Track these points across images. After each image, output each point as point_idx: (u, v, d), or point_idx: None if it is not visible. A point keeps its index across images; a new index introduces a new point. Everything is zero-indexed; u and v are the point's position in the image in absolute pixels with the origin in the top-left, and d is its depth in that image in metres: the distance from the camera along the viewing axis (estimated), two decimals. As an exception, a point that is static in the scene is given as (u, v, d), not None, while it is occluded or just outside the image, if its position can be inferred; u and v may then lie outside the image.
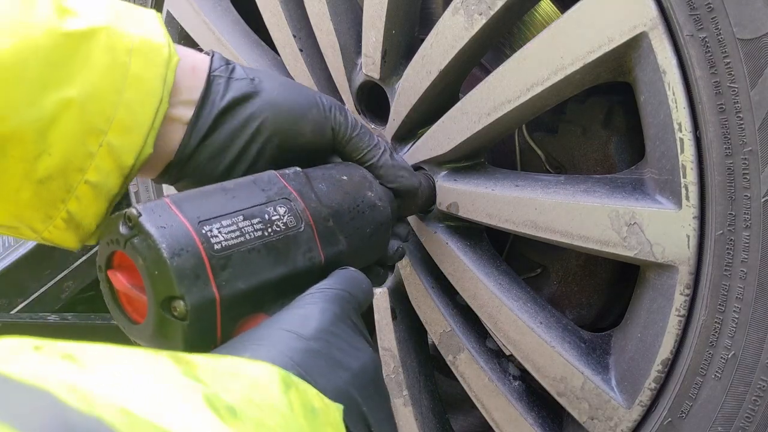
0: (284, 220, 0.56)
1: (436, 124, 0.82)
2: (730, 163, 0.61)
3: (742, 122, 0.59)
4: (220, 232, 0.52)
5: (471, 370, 0.86)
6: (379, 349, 0.95)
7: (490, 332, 0.84)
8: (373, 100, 0.91)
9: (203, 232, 0.51)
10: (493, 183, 0.80)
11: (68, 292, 1.43)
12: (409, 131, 0.88)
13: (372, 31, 0.85)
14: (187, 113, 0.62)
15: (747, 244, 0.61)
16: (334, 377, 0.48)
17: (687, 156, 0.63)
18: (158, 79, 0.59)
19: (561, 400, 0.77)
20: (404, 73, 0.84)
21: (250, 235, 0.54)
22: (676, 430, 0.69)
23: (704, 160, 0.63)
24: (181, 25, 1.09)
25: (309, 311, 0.52)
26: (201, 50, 0.67)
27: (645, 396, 0.71)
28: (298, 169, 0.63)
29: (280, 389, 0.41)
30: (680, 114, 0.63)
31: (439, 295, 0.88)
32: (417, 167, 0.87)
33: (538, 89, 0.71)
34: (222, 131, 0.63)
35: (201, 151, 0.63)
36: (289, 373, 0.43)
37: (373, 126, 0.91)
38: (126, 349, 0.37)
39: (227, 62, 0.65)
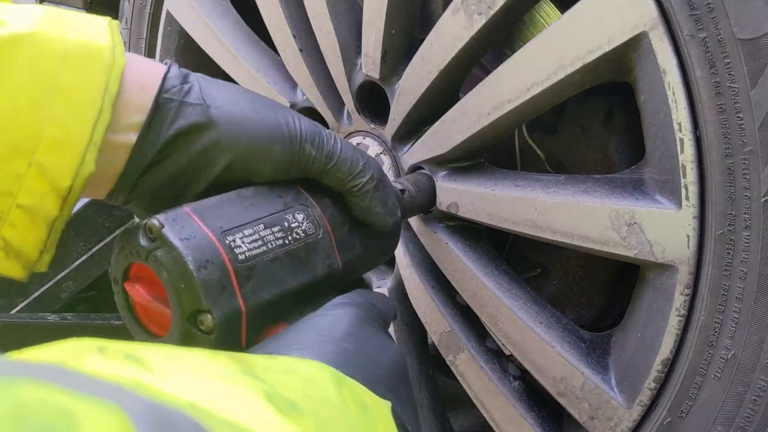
0: (303, 227, 0.56)
1: (435, 124, 0.82)
2: (730, 163, 0.61)
3: (742, 122, 0.59)
4: (243, 242, 0.51)
5: (471, 370, 0.85)
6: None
7: (490, 332, 0.84)
8: (373, 100, 0.91)
9: (227, 242, 0.50)
10: (493, 183, 0.80)
11: (68, 292, 1.43)
12: (410, 131, 0.88)
13: (372, 31, 0.85)
14: (131, 138, 0.54)
15: (747, 244, 0.61)
16: (372, 376, 0.47)
17: (687, 156, 0.63)
18: (96, 88, 0.52)
19: (561, 400, 0.77)
20: (404, 73, 0.84)
21: (272, 244, 0.53)
22: (675, 430, 0.69)
23: (704, 160, 0.63)
24: (181, 25, 1.09)
25: (336, 316, 0.51)
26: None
27: (645, 396, 0.71)
28: None
29: (334, 386, 0.41)
30: (680, 114, 0.63)
31: (439, 294, 0.88)
32: (417, 167, 0.87)
33: (538, 89, 0.71)
34: (169, 162, 0.56)
35: (146, 179, 0.57)
36: (338, 371, 0.43)
37: (373, 126, 0.91)
38: (185, 350, 0.37)
39: (185, 79, 0.57)
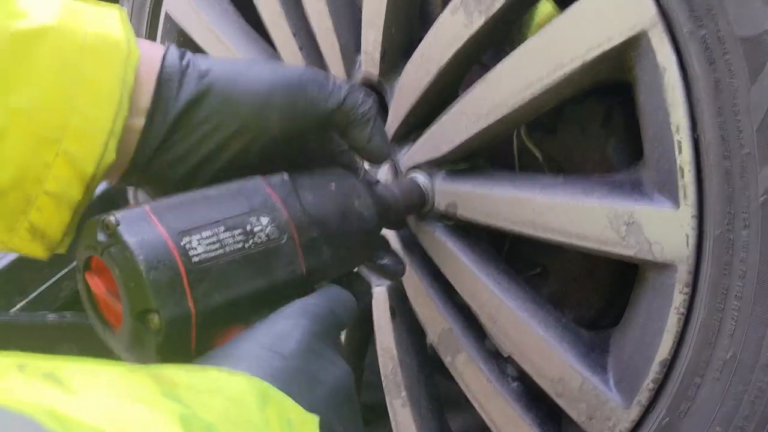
0: (266, 231, 0.55)
1: (434, 125, 0.82)
2: (728, 165, 0.60)
3: (740, 124, 0.59)
4: (199, 244, 0.51)
5: (469, 371, 0.85)
6: (378, 349, 0.95)
7: (488, 333, 0.83)
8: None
9: (182, 244, 0.50)
10: (492, 183, 0.80)
11: (67, 291, 1.43)
12: (409, 131, 0.88)
13: (371, 29, 0.85)
14: (141, 121, 0.58)
15: (746, 243, 0.61)
16: (311, 394, 0.47)
17: (684, 158, 0.63)
18: (115, 80, 0.55)
19: (559, 401, 0.77)
20: (403, 72, 0.84)
21: (230, 247, 0.53)
22: (674, 430, 0.69)
23: (702, 162, 0.62)
24: (179, 25, 1.09)
25: (288, 327, 0.51)
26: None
27: (643, 396, 0.71)
28: (285, 176, 0.61)
29: (258, 405, 0.41)
30: (678, 115, 0.63)
31: (438, 294, 0.88)
32: (415, 168, 0.86)
33: (537, 88, 0.71)
34: (178, 138, 0.59)
35: (158, 159, 0.59)
36: (268, 386, 0.43)
37: (372, 125, 0.91)
38: (108, 368, 0.37)
39: (181, 56, 0.60)
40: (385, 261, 0.77)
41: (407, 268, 0.88)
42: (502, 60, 0.73)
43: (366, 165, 0.85)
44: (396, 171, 0.90)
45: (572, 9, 0.67)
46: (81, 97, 0.54)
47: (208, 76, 0.59)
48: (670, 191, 0.65)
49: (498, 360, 0.85)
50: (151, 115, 0.58)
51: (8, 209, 0.55)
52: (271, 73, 0.61)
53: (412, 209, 0.81)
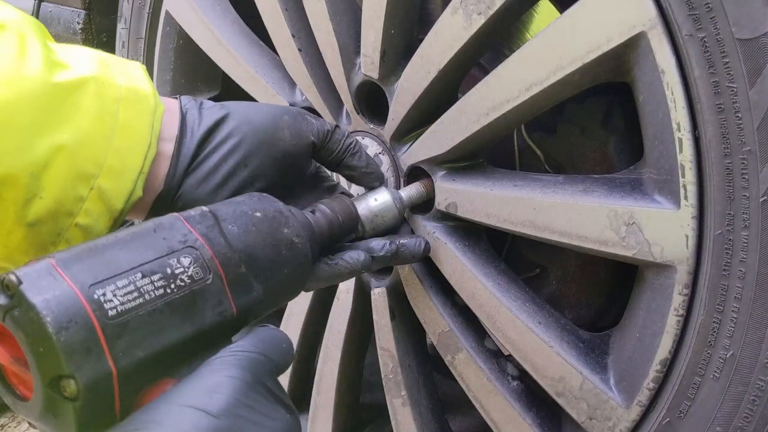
0: (189, 273, 0.51)
1: (434, 123, 0.82)
2: (729, 163, 0.61)
3: (740, 122, 0.59)
4: (115, 296, 0.47)
5: (469, 370, 0.85)
6: (378, 349, 0.95)
7: (488, 332, 0.84)
8: (372, 100, 0.91)
9: (95, 297, 0.46)
10: (492, 183, 0.80)
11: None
12: (408, 131, 0.88)
13: (371, 30, 0.85)
14: (170, 147, 0.66)
15: (745, 244, 0.61)
16: None
17: (686, 156, 0.63)
18: (146, 127, 0.63)
19: (559, 400, 0.77)
20: (403, 73, 0.84)
21: (150, 295, 0.49)
22: (674, 430, 0.69)
23: (703, 160, 0.63)
24: (179, 25, 1.09)
25: (217, 381, 0.48)
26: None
27: (643, 396, 0.71)
28: (204, 209, 0.58)
29: None
30: (679, 114, 0.63)
31: (437, 294, 0.88)
32: (416, 167, 0.87)
33: (537, 89, 0.71)
34: (205, 156, 0.66)
35: (188, 178, 0.66)
36: None
37: (371, 126, 0.91)
38: None
39: (195, 99, 0.70)
40: (404, 241, 0.78)
41: (406, 268, 0.89)
42: (503, 61, 0.73)
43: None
44: (397, 170, 0.90)
45: (572, 10, 0.67)
46: (117, 140, 0.61)
47: (225, 106, 0.69)
48: (670, 191, 0.65)
49: (498, 359, 0.85)
50: (180, 139, 0.66)
51: (39, 240, 0.59)
52: (278, 105, 0.73)
53: (349, 231, 0.75)
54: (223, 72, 1.13)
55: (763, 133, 0.58)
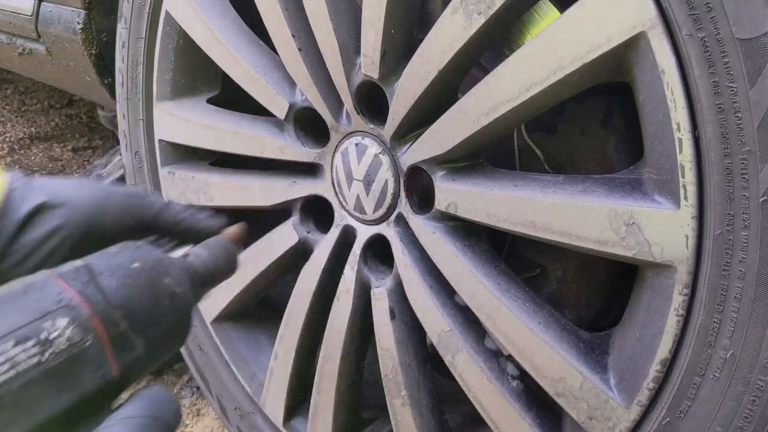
0: (66, 336, 0.47)
1: (434, 123, 0.82)
2: (729, 163, 0.61)
3: (740, 122, 0.59)
4: None
5: (470, 370, 0.85)
6: (378, 349, 0.95)
7: (488, 332, 0.84)
8: (372, 100, 0.91)
9: None
10: (492, 183, 0.80)
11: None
12: (408, 131, 0.88)
13: (371, 31, 0.84)
14: None
15: (745, 244, 0.61)
16: None
17: (685, 156, 0.63)
18: None
19: (559, 401, 0.77)
20: (403, 73, 0.84)
21: (23, 365, 0.45)
22: (674, 430, 0.69)
23: (703, 160, 0.63)
24: (179, 25, 1.09)
25: None
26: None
27: (643, 396, 0.71)
28: (78, 263, 0.54)
29: None
30: (679, 114, 0.63)
31: (437, 294, 0.88)
32: (416, 167, 0.87)
33: (537, 89, 0.71)
34: (23, 238, 0.62)
35: (8, 257, 0.61)
36: None
37: (372, 126, 0.91)
38: None
39: (25, 176, 0.67)
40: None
41: (406, 269, 0.89)
42: (504, 61, 0.73)
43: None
44: (397, 170, 0.90)
45: (572, 10, 0.67)
46: None
47: (51, 187, 0.66)
48: (670, 191, 0.65)
49: (498, 359, 0.85)
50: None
51: None
52: (103, 187, 0.70)
53: (227, 274, 0.70)
54: (223, 72, 1.13)
55: (763, 133, 0.58)
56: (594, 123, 0.83)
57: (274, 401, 1.12)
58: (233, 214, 1.13)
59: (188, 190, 1.15)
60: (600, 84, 0.71)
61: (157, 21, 1.12)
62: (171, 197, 1.19)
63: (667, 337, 0.68)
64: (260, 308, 1.21)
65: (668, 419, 0.70)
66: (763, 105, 0.58)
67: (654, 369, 0.69)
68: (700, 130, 0.62)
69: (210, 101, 1.16)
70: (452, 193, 0.83)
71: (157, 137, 1.18)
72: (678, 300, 0.67)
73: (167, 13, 1.10)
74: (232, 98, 1.16)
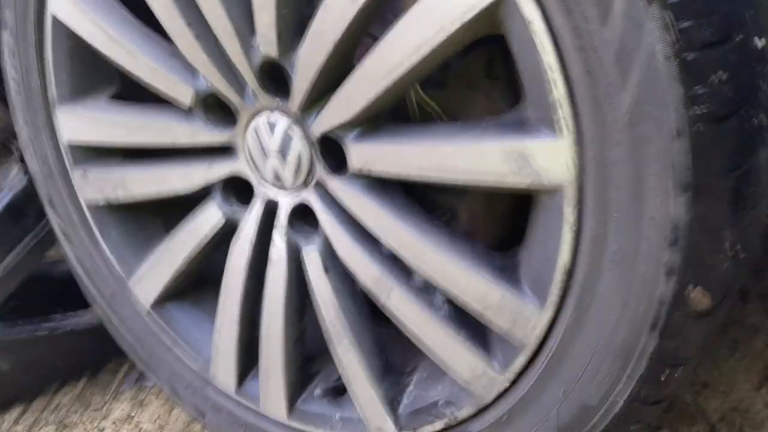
0: None
1: (337, 92, 0.89)
2: (595, 94, 0.72)
3: (600, 58, 0.70)
4: None
5: (402, 307, 0.95)
6: (318, 303, 1.03)
7: (415, 270, 0.93)
8: (274, 77, 0.97)
9: None
10: (400, 138, 0.88)
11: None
12: (313, 102, 0.94)
13: (264, 13, 0.90)
14: None
15: (618, 159, 0.73)
16: None
17: (560, 93, 0.74)
18: None
19: (485, 315, 0.88)
20: (301, 48, 0.90)
21: None
22: (583, 323, 0.82)
23: (574, 94, 0.73)
24: (68, 28, 1.10)
25: None
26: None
27: (554, 297, 0.83)
28: None
29: None
30: (549, 57, 0.73)
31: (364, 246, 0.96)
32: (326, 135, 0.94)
33: (426, 49, 0.79)
34: None
35: None
36: None
37: (278, 101, 0.97)
38: None
39: None
40: None
41: (332, 227, 0.97)
42: (392, 28, 0.81)
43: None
44: (309, 140, 0.97)
45: (446, -24, 0.75)
46: None
47: None
48: (551, 124, 0.76)
49: (425, 292, 0.95)
50: None
51: None
52: None
53: None
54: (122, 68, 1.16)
55: (620, 65, 0.69)
56: (478, 74, 0.93)
57: (224, 372, 1.19)
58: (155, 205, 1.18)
59: (106, 187, 1.18)
60: (479, 38, 0.81)
61: (42, 25, 1.12)
62: (88, 197, 1.21)
63: (565, 247, 0.80)
64: (194, 288, 1.26)
65: (577, 314, 0.82)
66: (615, 41, 0.69)
67: (559, 274, 0.81)
68: (568, 69, 0.73)
69: (112, 98, 1.18)
70: (364, 154, 0.91)
71: (63, 141, 1.19)
72: (570, 216, 0.78)
73: (54, 18, 1.10)
74: (133, 93, 1.19)
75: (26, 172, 1.43)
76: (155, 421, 1.57)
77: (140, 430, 1.55)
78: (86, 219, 1.24)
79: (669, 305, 0.77)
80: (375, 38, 0.86)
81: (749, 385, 1.51)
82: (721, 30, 0.67)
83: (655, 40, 0.67)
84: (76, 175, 1.21)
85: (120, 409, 1.62)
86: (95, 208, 1.23)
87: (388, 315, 0.98)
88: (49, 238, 1.52)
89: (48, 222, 1.46)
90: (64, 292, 1.61)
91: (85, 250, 1.28)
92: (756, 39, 0.70)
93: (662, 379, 0.82)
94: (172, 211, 1.23)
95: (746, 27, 0.69)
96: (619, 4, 0.67)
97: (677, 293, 0.76)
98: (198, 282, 1.24)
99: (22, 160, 1.44)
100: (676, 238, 0.73)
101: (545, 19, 0.72)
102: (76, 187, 1.22)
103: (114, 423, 1.58)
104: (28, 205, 1.48)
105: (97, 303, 1.32)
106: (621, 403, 0.83)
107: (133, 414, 1.60)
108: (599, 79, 0.71)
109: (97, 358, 1.74)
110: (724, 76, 0.68)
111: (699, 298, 0.77)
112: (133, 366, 1.75)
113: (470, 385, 0.93)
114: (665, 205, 0.72)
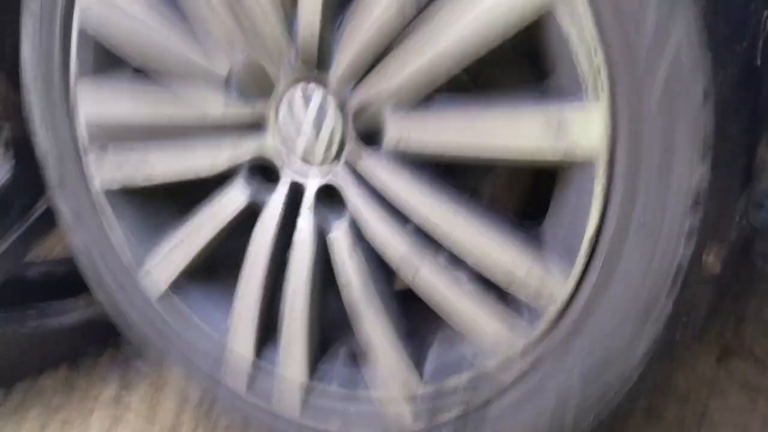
0: None
1: (383, 61, 0.93)
2: (633, 61, 0.79)
3: (639, 28, 0.78)
4: None
5: (430, 283, 1.01)
6: (345, 282, 1.07)
7: (445, 245, 0.99)
8: (313, 48, 0.99)
9: None
10: (442, 113, 0.93)
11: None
12: (353, 74, 0.98)
13: None
14: None
15: (652, 125, 0.80)
16: None
17: (600, 59, 0.81)
18: None
19: (511, 288, 0.95)
20: (349, 20, 0.94)
21: None
22: (606, 290, 0.89)
23: (612, 62, 0.80)
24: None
25: None
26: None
27: (578, 269, 0.90)
28: None
29: None
30: (590, 28, 0.81)
31: (392, 225, 1.02)
32: (364, 105, 0.98)
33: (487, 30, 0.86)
34: None
35: None
36: None
37: (316, 72, 1.01)
38: None
39: None
40: None
41: (361, 207, 1.02)
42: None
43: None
44: (343, 111, 1.01)
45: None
46: None
47: None
48: (588, 91, 0.82)
49: (453, 269, 1.01)
50: None
51: None
52: None
53: None
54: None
55: (657, 36, 0.77)
56: (507, 49, 0.99)
57: (243, 342, 1.21)
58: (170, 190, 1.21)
59: (126, 163, 1.20)
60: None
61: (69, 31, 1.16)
62: (105, 178, 1.23)
63: (594, 214, 0.87)
64: (208, 270, 1.28)
65: (600, 282, 0.90)
66: (651, 18, 0.77)
67: (586, 241, 0.89)
68: (607, 38, 0.80)
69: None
70: (402, 125, 0.95)
71: (83, 118, 1.21)
72: (600, 183, 0.85)
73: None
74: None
75: (14, 159, 1.43)
76: (146, 401, 1.56)
77: (131, 410, 1.54)
78: (100, 203, 1.25)
79: (686, 268, 0.85)
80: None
81: (712, 358, 1.64)
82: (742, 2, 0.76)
83: (689, 10, 0.75)
84: (92, 156, 1.22)
85: (108, 391, 1.60)
86: (111, 192, 1.24)
87: (415, 290, 1.03)
88: (34, 237, 1.52)
89: (32, 219, 1.47)
90: (37, 294, 1.61)
91: (93, 237, 1.29)
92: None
93: (675, 339, 0.90)
94: (186, 196, 1.26)
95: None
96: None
97: (694, 257, 0.85)
98: (212, 264, 1.27)
99: (7, 146, 1.44)
100: (698, 205, 0.82)
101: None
102: (92, 169, 1.23)
103: (103, 404, 1.56)
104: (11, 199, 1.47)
105: (103, 291, 1.32)
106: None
107: (122, 395, 1.59)
108: (637, 48, 0.78)
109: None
110: (745, 45, 0.77)
111: (713, 261, 0.86)
112: (116, 350, 1.73)
113: (497, 347, 0.99)
114: (690, 172, 0.80)
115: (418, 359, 1.07)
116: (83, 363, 1.70)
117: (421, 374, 1.07)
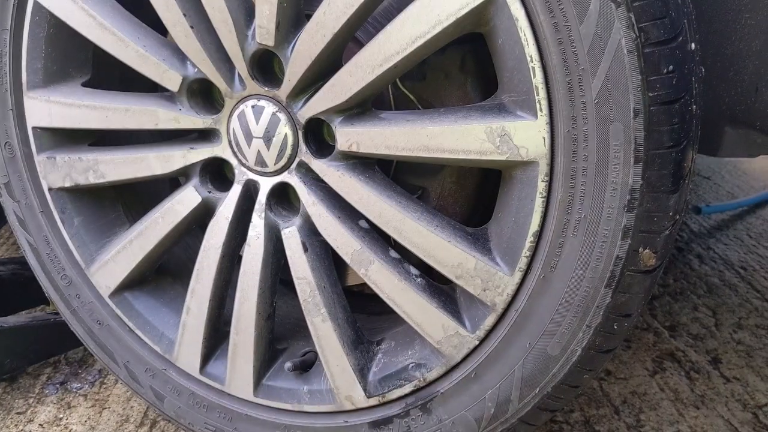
0: None
1: (332, 78, 0.99)
2: (569, 80, 0.87)
3: (575, 50, 0.85)
4: None
5: (382, 277, 1.05)
6: (295, 280, 1.10)
7: (394, 243, 1.03)
8: (263, 67, 1.06)
9: None
10: (387, 122, 0.99)
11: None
12: (303, 89, 1.04)
13: (266, 5, 0.99)
14: None
15: (586, 135, 0.88)
16: None
17: (538, 79, 0.88)
18: None
19: (459, 282, 1.00)
20: (299, 38, 0.99)
21: None
22: (549, 282, 0.95)
23: (550, 81, 0.88)
24: (51, 14, 1.13)
25: None
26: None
27: (523, 263, 0.96)
28: None
29: None
30: (531, 49, 0.88)
31: (345, 222, 1.06)
32: (314, 118, 1.03)
33: (421, 41, 0.92)
34: None
35: None
36: None
37: (266, 89, 1.05)
38: None
39: None
40: None
41: (314, 206, 1.05)
42: (393, 20, 0.92)
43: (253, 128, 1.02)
44: (294, 124, 1.05)
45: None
46: None
47: None
48: (529, 107, 0.90)
49: (402, 264, 1.06)
50: None
51: None
52: None
53: None
54: (93, 56, 1.20)
55: (591, 56, 0.85)
56: (454, 68, 1.06)
57: (189, 353, 1.22)
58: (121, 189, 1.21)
59: (73, 171, 1.20)
60: (462, 35, 0.94)
61: (23, 12, 1.15)
62: (53, 181, 1.23)
63: (536, 215, 0.94)
64: (156, 275, 1.29)
65: (543, 275, 0.95)
66: (589, 36, 0.84)
67: (528, 240, 0.95)
68: (546, 59, 0.87)
69: (84, 85, 1.21)
70: (353, 135, 1.01)
71: (30, 125, 1.20)
72: (541, 185, 0.92)
73: (36, 3, 1.13)
74: (103, 81, 1.23)
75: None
76: (85, 422, 1.54)
77: (69, 431, 1.52)
78: (47, 205, 1.25)
79: (623, 263, 0.92)
80: (360, 43, 0.97)
81: (645, 372, 1.72)
82: (670, 31, 0.84)
83: (621, 36, 0.83)
84: (41, 159, 1.22)
85: (46, 411, 1.58)
86: (58, 194, 1.24)
87: (368, 284, 1.07)
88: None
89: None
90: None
91: (42, 238, 1.28)
92: (692, 43, 0.88)
93: (615, 328, 0.96)
94: (133, 198, 1.27)
95: (685, 32, 0.87)
96: (594, 5, 0.83)
97: (630, 252, 0.91)
98: (159, 270, 1.28)
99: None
100: (633, 204, 0.88)
101: (528, 17, 0.87)
102: (40, 172, 1.23)
103: (41, 426, 1.54)
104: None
105: (52, 291, 1.31)
106: (579, 351, 0.97)
107: (60, 416, 1.56)
108: (573, 67, 0.86)
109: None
110: (671, 68, 0.85)
111: (648, 256, 0.92)
112: (56, 369, 1.71)
113: (441, 345, 1.04)
114: (624, 175, 0.87)
115: (363, 369, 1.13)
116: (21, 383, 1.67)
117: (365, 385, 1.12)
